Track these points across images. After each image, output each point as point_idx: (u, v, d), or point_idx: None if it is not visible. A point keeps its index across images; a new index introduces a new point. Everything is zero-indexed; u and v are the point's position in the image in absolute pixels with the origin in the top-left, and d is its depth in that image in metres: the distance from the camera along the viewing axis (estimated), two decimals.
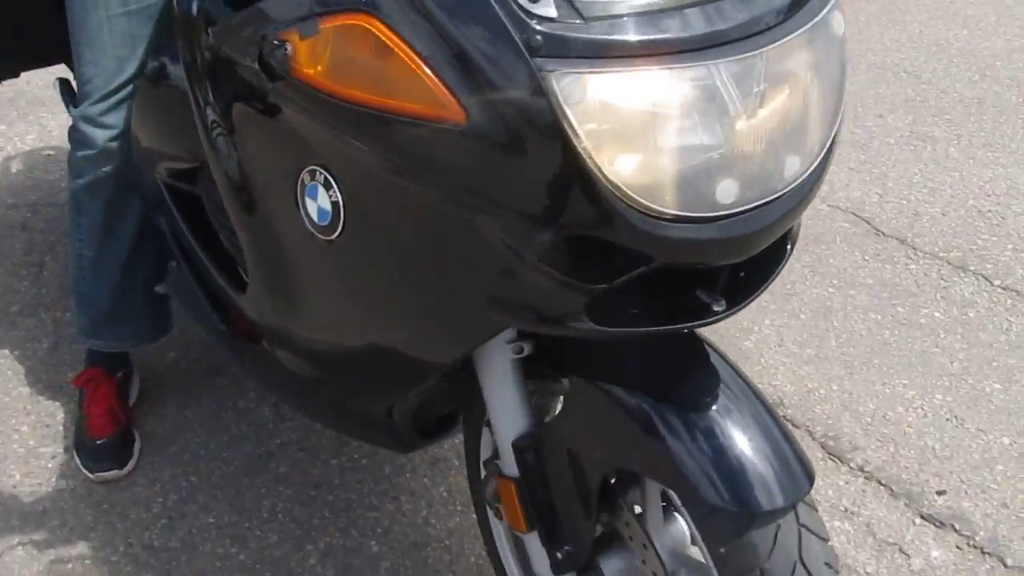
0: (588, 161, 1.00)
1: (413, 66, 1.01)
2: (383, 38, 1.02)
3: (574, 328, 1.13)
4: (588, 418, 1.29)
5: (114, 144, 1.84)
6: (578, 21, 1.00)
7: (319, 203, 1.24)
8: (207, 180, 1.58)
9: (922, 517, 2.01)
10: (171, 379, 2.32)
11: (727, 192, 1.05)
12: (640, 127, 1.01)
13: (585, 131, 0.99)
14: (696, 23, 1.03)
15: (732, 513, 1.18)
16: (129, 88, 1.81)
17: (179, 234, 1.73)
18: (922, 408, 2.26)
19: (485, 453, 1.61)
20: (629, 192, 1.02)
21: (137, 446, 2.12)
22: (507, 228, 1.07)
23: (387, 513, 2.02)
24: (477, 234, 1.09)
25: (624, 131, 1.01)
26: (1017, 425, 2.21)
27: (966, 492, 2.06)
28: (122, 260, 1.98)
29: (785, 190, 1.10)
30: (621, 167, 1.01)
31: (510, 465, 1.39)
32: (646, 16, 1.01)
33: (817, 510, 1.26)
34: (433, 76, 1.01)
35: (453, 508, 2.03)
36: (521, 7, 0.99)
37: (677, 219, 1.05)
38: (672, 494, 1.29)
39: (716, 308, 1.17)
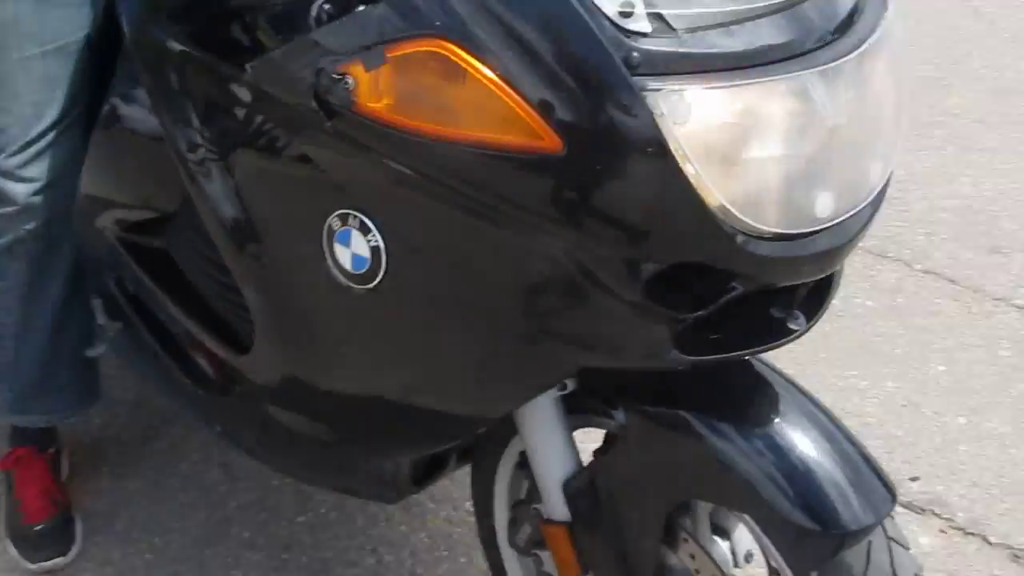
0: (694, 182, 0.94)
1: (500, 93, 0.92)
2: (462, 64, 0.93)
3: (662, 360, 1.07)
4: (650, 451, 1.23)
5: (38, 199, 1.66)
6: (671, 35, 0.94)
7: (353, 249, 1.13)
8: (180, 232, 1.43)
9: (902, 506, 2.03)
10: (102, 449, 2.12)
11: (825, 205, 1.01)
12: (745, 142, 0.95)
13: (692, 150, 0.93)
14: (783, 30, 0.98)
15: (823, 535, 1.14)
16: (51, 136, 1.64)
17: (138, 292, 1.57)
18: (877, 397, 2.29)
19: (502, 496, 1.52)
20: (734, 212, 0.96)
21: (79, 527, 1.92)
22: (600, 260, 0.99)
23: (369, 568, 1.89)
24: (562, 269, 1.01)
25: (730, 148, 0.95)
26: (968, 404, 2.27)
27: (937, 476, 2.10)
28: (49, 325, 1.79)
29: (869, 198, 1.06)
30: (727, 186, 0.95)
31: (559, 509, 1.31)
32: (736, 25, 0.96)
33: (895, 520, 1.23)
34: (524, 103, 0.92)
35: (438, 554, 1.92)
36: (615, 24, 0.92)
37: (777, 237, 1.00)
38: (744, 518, 1.24)
39: (794, 326, 1.13)
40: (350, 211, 1.11)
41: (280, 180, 1.17)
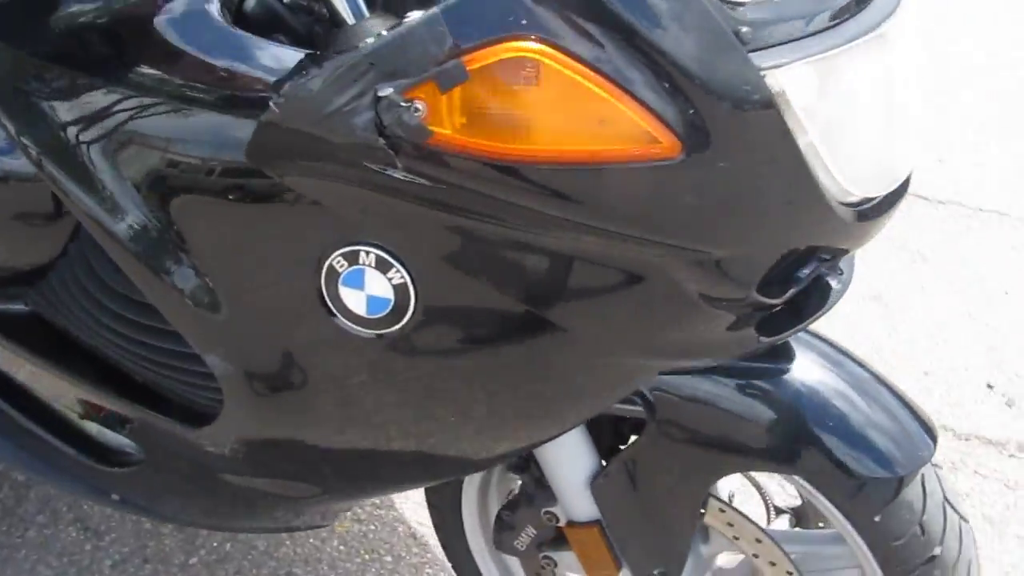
0: (810, 160, 0.85)
1: (607, 96, 0.77)
2: (557, 67, 0.76)
3: (748, 348, 0.99)
4: (687, 428, 1.14)
5: None
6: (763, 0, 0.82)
7: (368, 291, 0.94)
8: (60, 292, 1.16)
9: None
10: None
11: (905, 161, 0.95)
12: (853, 108, 0.87)
13: (809, 126, 0.83)
14: None
15: (884, 480, 1.12)
16: None
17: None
18: None
19: (471, 499, 1.40)
20: (841, 182, 0.89)
21: None
22: (702, 264, 0.88)
23: None
24: (657, 280, 0.89)
25: (841, 116, 0.87)
26: None
27: None
28: None
29: (923, 147, 1.02)
30: (837, 157, 0.87)
31: (586, 510, 1.21)
32: None
33: None
34: (635, 104, 0.78)
35: (360, 559, 1.77)
36: None
37: (861, 203, 0.93)
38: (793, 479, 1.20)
39: (838, 285, 1.08)
40: (362, 247, 0.92)
41: (254, 224, 0.94)
